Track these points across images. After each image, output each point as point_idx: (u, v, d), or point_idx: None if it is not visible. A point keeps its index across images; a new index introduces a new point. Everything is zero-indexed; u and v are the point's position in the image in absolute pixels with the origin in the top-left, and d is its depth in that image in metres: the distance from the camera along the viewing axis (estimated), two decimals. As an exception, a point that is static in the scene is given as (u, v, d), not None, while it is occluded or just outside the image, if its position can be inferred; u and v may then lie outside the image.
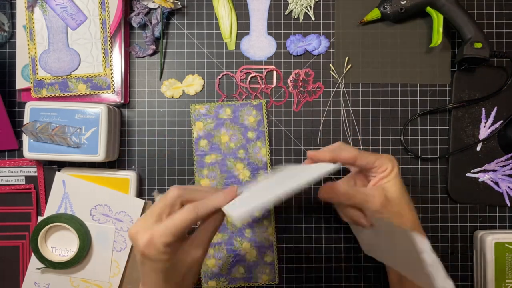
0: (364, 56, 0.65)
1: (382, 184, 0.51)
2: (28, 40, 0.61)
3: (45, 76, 0.61)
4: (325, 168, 0.48)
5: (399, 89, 0.65)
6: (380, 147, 0.65)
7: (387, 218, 0.50)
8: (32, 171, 0.63)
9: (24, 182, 0.63)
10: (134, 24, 0.63)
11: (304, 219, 0.65)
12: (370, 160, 0.51)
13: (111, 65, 0.61)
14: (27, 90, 0.62)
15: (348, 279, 0.65)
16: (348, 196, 0.50)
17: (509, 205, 0.64)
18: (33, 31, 0.61)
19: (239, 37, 0.65)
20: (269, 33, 0.65)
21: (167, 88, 0.64)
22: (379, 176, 0.52)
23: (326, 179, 0.65)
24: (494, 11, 0.65)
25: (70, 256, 0.60)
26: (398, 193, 0.51)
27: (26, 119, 0.59)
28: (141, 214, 0.62)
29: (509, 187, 0.64)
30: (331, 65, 0.65)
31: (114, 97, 0.62)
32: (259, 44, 0.65)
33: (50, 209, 0.62)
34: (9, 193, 0.63)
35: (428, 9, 0.62)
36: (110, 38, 0.61)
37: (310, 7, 0.65)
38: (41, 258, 0.60)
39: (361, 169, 0.53)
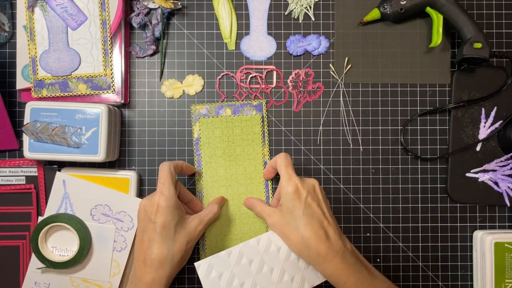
0: (364, 56, 0.65)
1: (279, 205, 0.56)
2: (28, 40, 0.61)
3: (45, 76, 0.61)
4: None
5: (399, 89, 0.65)
6: (380, 147, 0.65)
7: (280, 238, 0.56)
8: (33, 171, 0.63)
9: (24, 182, 0.63)
10: (134, 24, 0.63)
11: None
12: (282, 175, 0.55)
13: (111, 65, 0.61)
14: (28, 90, 0.62)
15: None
16: (256, 213, 0.60)
17: (508, 205, 0.64)
18: (34, 31, 0.61)
19: (239, 37, 0.65)
20: (269, 33, 0.65)
21: (167, 88, 0.64)
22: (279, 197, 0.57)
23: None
24: (494, 11, 0.65)
25: (70, 256, 0.60)
26: (286, 216, 0.54)
27: (27, 119, 0.59)
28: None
29: (508, 187, 0.64)
30: (331, 65, 0.65)
31: (114, 97, 0.62)
32: (259, 44, 0.65)
33: (50, 209, 0.62)
34: (10, 193, 0.63)
35: (428, 9, 0.62)
36: (110, 38, 0.61)
37: (310, 7, 0.65)
38: (41, 258, 0.60)
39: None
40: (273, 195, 0.63)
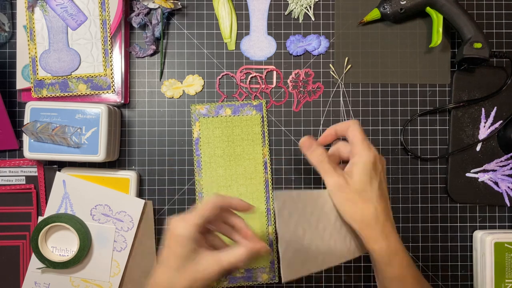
0: (364, 56, 0.65)
1: (350, 171, 0.51)
2: (28, 40, 0.61)
3: (45, 76, 0.61)
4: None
5: (399, 89, 0.65)
6: (380, 147, 0.65)
7: (339, 202, 0.51)
8: (33, 171, 0.63)
9: (24, 182, 0.63)
10: (134, 24, 0.63)
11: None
12: (355, 138, 0.51)
13: (111, 65, 0.61)
14: (28, 90, 0.62)
15: (348, 279, 0.65)
16: (314, 162, 0.52)
17: (508, 205, 0.64)
18: (34, 31, 0.61)
19: (239, 37, 0.65)
20: (269, 33, 0.65)
21: (167, 88, 0.64)
22: (351, 161, 0.51)
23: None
24: (494, 11, 0.65)
25: (70, 256, 0.60)
26: (360, 184, 0.50)
27: (27, 119, 0.59)
28: (141, 214, 0.62)
29: (508, 187, 0.64)
30: (331, 65, 0.65)
31: (114, 97, 0.62)
32: (259, 44, 0.65)
33: (50, 209, 0.62)
34: (10, 193, 0.63)
35: (428, 9, 0.62)
36: (110, 38, 0.61)
37: (310, 7, 0.65)
38: (41, 258, 0.60)
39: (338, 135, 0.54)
40: (273, 195, 0.63)
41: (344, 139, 0.53)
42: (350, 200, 0.50)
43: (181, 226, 0.46)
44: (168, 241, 0.47)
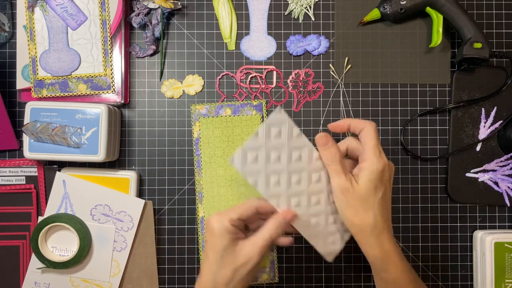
0: (364, 56, 0.65)
1: (357, 176, 0.50)
2: (28, 40, 0.61)
3: (45, 76, 0.61)
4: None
5: (399, 89, 0.65)
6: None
7: (340, 205, 0.51)
8: (33, 171, 0.63)
9: (24, 182, 0.63)
10: (134, 24, 0.63)
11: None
12: (367, 143, 0.50)
13: (111, 65, 0.61)
14: (28, 90, 0.62)
15: (348, 279, 0.65)
16: (326, 159, 0.52)
17: (508, 205, 0.64)
18: (34, 31, 0.61)
19: (239, 37, 0.65)
20: (269, 33, 0.65)
21: (167, 88, 0.64)
22: (358, 166, 0.51)
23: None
24: (494, 11, 0.65)
25: (70, 256, 0.60)
26: (364, 192, 0.49)
27: (27, 119, 0.59)
28: (141, 214, 0.62)
29: (508, 187, 0.64)
30: (331, 65, 0.65)
31: (114, 97, 0.62)
32: (259, 44, 0.65)
33: (50, 209, 0.62)
34: (10, 193, 0.63)
35: (428, 9, 0.62)
36: (110, 38, 0.61)
37: (310, 7, 0.65)
38: (41, 258, 0.60)
39: (353, 130, 0.53)
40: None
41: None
42: (352, 206, 0.50)
43: (215, 220, 0.49)
44: (206, 237, 0.50)
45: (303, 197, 0.52)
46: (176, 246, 0.64)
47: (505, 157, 0.64)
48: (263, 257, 0.50)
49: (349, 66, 0.65)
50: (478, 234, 0.63)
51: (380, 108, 0.65)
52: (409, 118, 0.65)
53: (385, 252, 0.51)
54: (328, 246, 0.55)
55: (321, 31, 0.65)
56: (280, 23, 0.65)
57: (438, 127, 0.65)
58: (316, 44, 0.64)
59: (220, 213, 0.49)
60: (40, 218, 0.61)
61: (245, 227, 0.53)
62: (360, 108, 0.65)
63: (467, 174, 0.64)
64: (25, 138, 0.59)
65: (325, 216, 0.54)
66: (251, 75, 0.65)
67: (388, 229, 0.52)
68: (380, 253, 0.50)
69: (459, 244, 0.65)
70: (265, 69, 0.65)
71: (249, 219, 0.51)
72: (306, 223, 0.53)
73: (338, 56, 0.65)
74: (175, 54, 0.65)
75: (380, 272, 0.51)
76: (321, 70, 0.65)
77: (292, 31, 0.65)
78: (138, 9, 0.63)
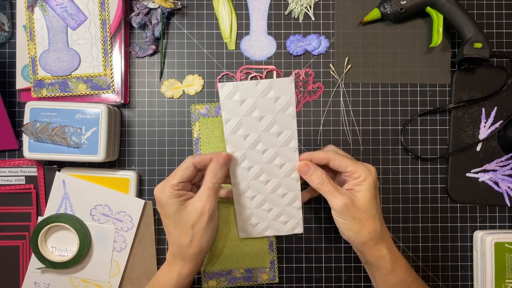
0: (364, 56, 0.65)
1: (353, 190, 0.52)
2: (28, 40, 0.61)
3: (45, 76, 0.61)
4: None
5: (399, 89, 0.65)
6: (380, 147, 0.65)
7: (345, 222, 0.52)
8: (32, 171, 0.63)
9: (24, 182, 0.63)
10: (134, 24, 0.63)
11: (304, 218, 0.65)
12: (342, 164, 0.52)
13: (111, 65, 0.61)
14: (27, 90, 0.62)
15: (348, 279, 0.65)
16: (315, 184, 0.53)
17: (509, 205, 0.64)
18: (33, 31, 0.61)
19: (239, 37, 0.65)
20: (269, 33, 0.65)
21: (167, 88, 0.64)
22: (351, 182, 0.53)
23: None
24: (494, 11, 0.65)
25: (70, 256, 0.60)
26: (366, 203, 0.52)
27: (26, 119, 0.59)
28: (141, 214, 0.62)
29: (509, 187, 0.64)
30: (331, 65, 0.65)
31: (114, 97, 0.62)
32: (259, 44, 0.65)
33: (50, 209, 0.62)
34: (9, 193, 0.63)
35: (428, 9, 0.62)
36: (110, 38, 0.61)
37: (310, 7, 0.65)
38: (41, 258, 0.60)
39: (336, 170, 0.55)
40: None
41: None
42: (357, 219, 0.52)
43: (158, 191, 0.51)
44: (158, 209, 0.52)
45: (256, 166, 0.52)
46: (176, 246, 0.64)
47: (506, 157, 0.64)
48: (215, 206, 0.51)
49: (349, 66, 0.65)
50: (478, 234, 0.63)
51: (380, 108, 0.65)
52: (409, 118, 0.65)
53: (393, 252, 0.53)
54: (248, 225, 0.55)
55: (321, 31, 0.65)
56: (280, 23, 0.65)
57: (438, 127, 0.65)
58: (316, 44, 0.64)
59: (161, 182, 0.52)
60: (40, 218, 0.61)
61: (195, 186, 0.55)
62: (360, 108, 0.65)
63: (467, 174, 0.64)
64: (25, 138, 0.59)
65: (264, 199, 0.54)
66: (251, 75, 0.65)
67: (386, 229, 0.54)
68: (389, 254, 0.52)
69: (459, 244, 0.65)
70: (265, 69, 0.65)
71: (193, 178, 0.53)
72: (243, 191, 0.53)
73: (338, 56, 0.65)
74: (175, 54, 0.65)
75: (388, 274, 0.53)
76: (321, 70, 0.65)
77: (292, 31, 0.65)
78: (138, 9, 0.63)
